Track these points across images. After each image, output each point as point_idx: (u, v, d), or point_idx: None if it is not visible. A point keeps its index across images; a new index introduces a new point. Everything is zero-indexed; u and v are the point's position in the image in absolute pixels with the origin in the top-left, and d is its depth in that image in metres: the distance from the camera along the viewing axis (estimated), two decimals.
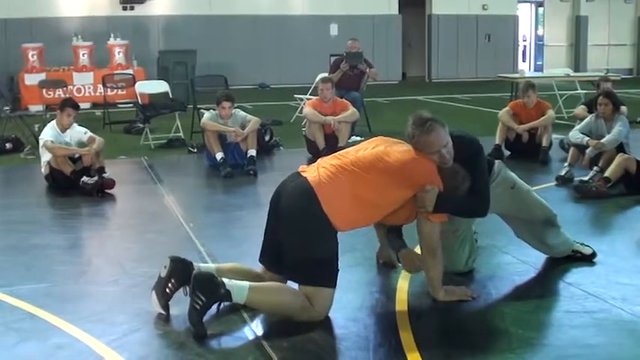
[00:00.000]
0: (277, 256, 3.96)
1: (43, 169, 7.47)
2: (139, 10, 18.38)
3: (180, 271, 3.92)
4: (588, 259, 4.77)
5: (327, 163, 4.00)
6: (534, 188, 7.06)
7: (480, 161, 4.21)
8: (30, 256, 5.21)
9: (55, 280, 4.65)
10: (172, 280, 3.92)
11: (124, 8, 18.20)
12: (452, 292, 4.17)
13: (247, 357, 3.56)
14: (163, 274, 3.94)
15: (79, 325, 3.83)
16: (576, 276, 4.53)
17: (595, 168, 7.02)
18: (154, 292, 3.97)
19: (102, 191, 7.12)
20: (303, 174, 3.96)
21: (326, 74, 11.03)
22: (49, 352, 3.56)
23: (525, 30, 23.38)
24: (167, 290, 3.93)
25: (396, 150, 3.97)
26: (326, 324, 3.84)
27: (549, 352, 3.51)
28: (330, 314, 3.88)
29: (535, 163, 8.33)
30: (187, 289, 3.84)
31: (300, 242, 3.82)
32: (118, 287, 4.52)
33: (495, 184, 4.44)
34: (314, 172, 3.92)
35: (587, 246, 4.84)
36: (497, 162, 4.59)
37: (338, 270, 3.89)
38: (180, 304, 3.87)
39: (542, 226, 4.67)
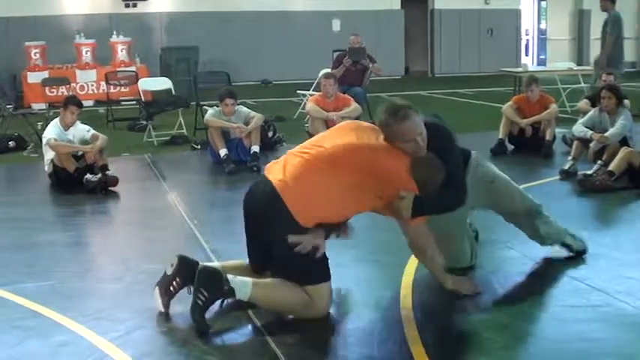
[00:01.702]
0: (264, 259, 3.92)
1: (46, 167, 7.48)
2: (142, 7, 18.36)
3: (186, 271, 3.89)
4: (578, 255, 4.68)
5: (294, 158, 3.85)
6: (538, 182, 7.11)
7: (453, 148, 4.05)
8: (33, 253, 5.22)
9: (59, 278, 4.65)
10: (177, 279, 3.90)
11: (127, 5, 18.18)
12: (459, 283, 4.15)
13: (252, 353, 3.57)
14: (169, 271, 3.93)
15: (82, 323, 3.84)
16: (580, 270, 4.52)
17: (599, 162, 7.01)
18: (157, 287, 3.96)
19: (105, 189, 7.13)
20: (269, 177, 3.83)
21: (329, 70, 11.03)
22: (53, 350, 3.56)
23: (528, 24, 23.31)
24: (171, 288, 3.92)
25: (368, 147, 3.81)
26: (330, 320, 3.84)
27: (553, 347, 3.50)
28: (333, 310, 3.88)
29: (538, 157, 8.31)
30: (192, 288, 3.83)
31: (279, 248, 3.76)
32: (122, 284, 4.52)
33: (475, 179, 4.31)
34: (279, 174, 3.78)
35: (580, 241, 4.73)
36: (473, 153, 4.45)
37: (327, 260, 3.83)
38: (185, 301, 3.85)
39: (525, 217, 4.59)
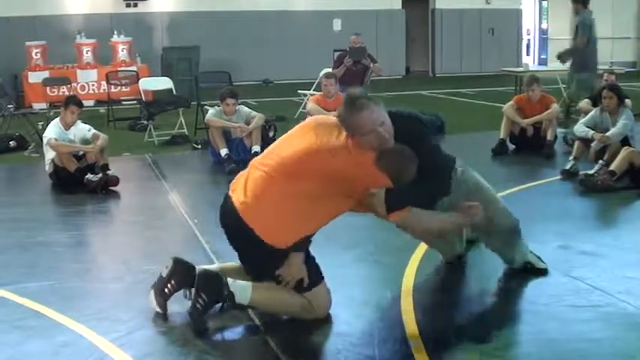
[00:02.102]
0: (255, 271, 3.85)
1: (47, 167, 7.48)
2: (142, 7, 18.36)
3: (181, 274, 3.88)
4: (538, 273, 4.47)
5: (255, 172, 3.71)
6: (539, 182, 7.11)
7: (427, 138, 3.79)
8: (34, 253, 5.21)
9: (60, 278, 4.65)
10: (172, 282, 3.89)
11: (127, 5, 18.18)
12: (464, 209, 3.93)
13: (252, 353, 3.57)
14: (164, 273, 3.92)
15: (83, 323, 3.84)
16: (581, 270, 4.51)
17: (600, 161, 7.00)
18: (152, 290, 3.96)
19: (106, 188, 7.13)
20: (232, 197, 3.71)
21: (329, 69, 11.03)
22: (54, 350, 3.56)
23: (529, 24, 23.31)
24: (166, 290, 3.90)
25: (328, 149, 3.57)
26: (331, 320, 3.83)
27: (555, 347, 3.50)
28: (334, 310, 3.87)
29: (540, 157, 8.30)
30: (187, 291, 3.84)
31: (263, 269, 3.73)
32: (123, 284, 4.52)
33: (456, 184, 4.01)
34: (241, 194, 3.66)
35: (542, 261, 4.52)
36: (458, 165, 4.12)
37: (314, 260, 3.77)
38: (185, 301, 3.85)
39: (506, 235, 4.34)
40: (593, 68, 10.98)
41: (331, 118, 3.81)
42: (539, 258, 4.51)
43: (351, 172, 3.57)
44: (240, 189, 3.70)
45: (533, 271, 4.44)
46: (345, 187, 3.63)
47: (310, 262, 3.76)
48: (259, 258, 3.70)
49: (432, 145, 3.83)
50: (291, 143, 3.71)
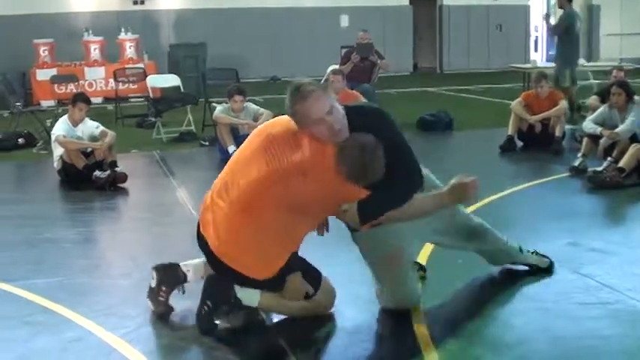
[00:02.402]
0: None
1: (55, 164, 7.50)
2: (149, 4, 18.40)
3: (169, 277, 3.88)
4: (544, 272, 4.39)
5: (219, 210, 3.52)
6: (547, 179, 7.09)
7: (388, 130, 3.44)
8: (43, 250, 5.23)
9: (68, 274, 4.66)
10: (163, 288, 3.89)
11: (135, 2, 18.23)
12: (456, 188, 3.56)
13: (260, 349, 3.57)
14: (153, 284, 3.91)
15: (92, 319, 3.84)
16: (590, 267, 4.49)
17: (609, 158, 6.97)
18: (148, 300, 3.94)
19: (114, 185, 7.14)
20: (205, 236, 3.56)
21: (337, 66, 11.02)
22: (63, 346, 3.57)
23: (537, 20, 23.24)
24: (160, 299, 3.89)
25: (282, 169, 3.38)
26: (338, 317, 3.83)
27: (564, 344, 3.49)
28: (341, 307, 3.87)
29: (548, 154, 8.28)
30: (181, 287, 3.88)
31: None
32: (131, 280, 4.52)
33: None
34: (213, 234, 3.51)
35: (546, 258, 4.43)
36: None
37: (305, 261, 3.69)
38: (193, 297, 3.85)
39: (466, 235, 4.10)
40: (574, 63, 11.05)
41: (282, 122, 3.60)
42: (543, 256, 4.43)
43: (314, 187, 3.39)
44: (210, 226, 3.56)
45: (538, 271, 4.40)
46: (311, 208, 3.50)
47: (306, 271, 3.69)
48: (249, 285, 3.65)
49: (396, 137, 3.47)
50: (243, 170, 3.52)
